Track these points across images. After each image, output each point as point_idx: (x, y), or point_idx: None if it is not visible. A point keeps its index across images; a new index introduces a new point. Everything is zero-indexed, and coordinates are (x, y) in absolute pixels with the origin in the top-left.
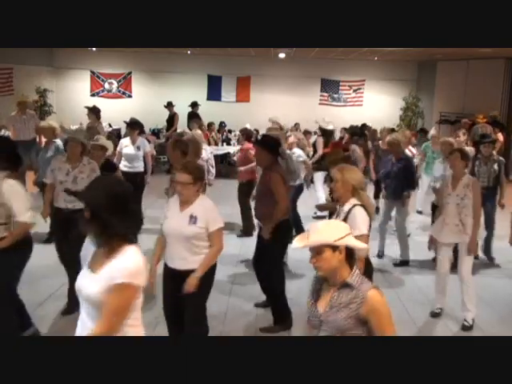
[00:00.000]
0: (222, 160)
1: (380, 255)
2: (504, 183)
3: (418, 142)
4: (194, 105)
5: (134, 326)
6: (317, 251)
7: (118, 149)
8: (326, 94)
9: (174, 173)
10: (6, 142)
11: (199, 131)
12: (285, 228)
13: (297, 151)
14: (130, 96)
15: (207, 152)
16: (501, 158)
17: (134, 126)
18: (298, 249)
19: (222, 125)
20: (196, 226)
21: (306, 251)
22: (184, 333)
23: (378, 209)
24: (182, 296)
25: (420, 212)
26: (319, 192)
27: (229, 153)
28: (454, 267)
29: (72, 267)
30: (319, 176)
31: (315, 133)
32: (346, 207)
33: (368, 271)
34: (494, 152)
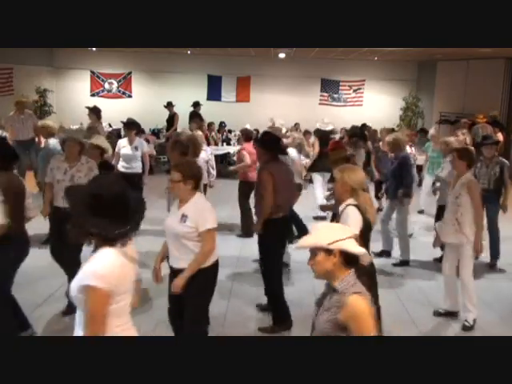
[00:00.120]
0: (222, 160)
1: (380, 254)
2: (508, 186)
3: (419, 142)
4: (196, 104)
5: (125, 330)
6: (313, 253)
7: (116, 149)
8: (326, 94)
9: None
10: None
11: (199, 132)
12: (279, 226)
13: (290, 151)
14: (130, 96)
15: (207, 153)
16: (504, 161)
17: (131, 126)
18: (296, 250)
19: (221, 125)
20: (185, 225)
21: (307, 252)
22: (182, 332)
23: (379, 209)
24: (182, 295)
25: (422, 212)
26: (317, 192)
27: (229, 153)
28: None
29: (71, 268)
30: (317, 176)
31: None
32: (341, 207)
33: (369, 272)
34: (496, 154)
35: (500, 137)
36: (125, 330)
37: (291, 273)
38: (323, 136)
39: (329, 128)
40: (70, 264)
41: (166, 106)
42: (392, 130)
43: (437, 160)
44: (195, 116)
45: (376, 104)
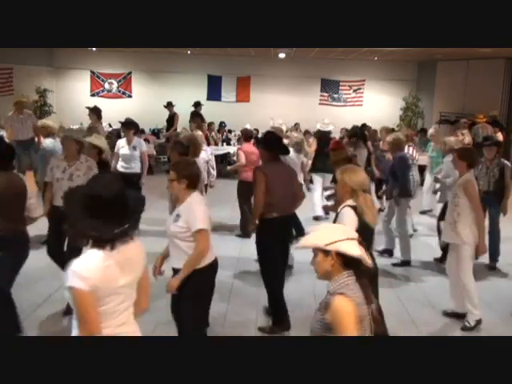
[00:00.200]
0: (222, 160)
1: (382, 253)
2: (509, 188)
3: (419, 142)
4: (197, 104)
5: (123, 330)
6: (314, 254)
7: (116, 150)
8: (326, 94)
9: None
10: None
11: (200, 132)
12: (275, 226)
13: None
14: (130, 96)
15: (207, 153)
16: (505, 162)
17: (129, 126)
18: (296, 250)
19: (222, 125)
20: (177, 225)
21: (309, 253)
22: (180, 332)
23: (380, 210)
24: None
25: (424, 212)
26: (315, 193)
27: (229, 153)
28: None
29: None
30: (317, 177)
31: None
32: (339, 208)
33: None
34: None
35: (500, 137)
36: (123, 330)
37: (292, 273)
38: (323, 136)
39: (328, 129)
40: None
41: (165, 106)
42: (392, 130)
43: (436, 160)
44: (196, 116)
45: (376, 104)
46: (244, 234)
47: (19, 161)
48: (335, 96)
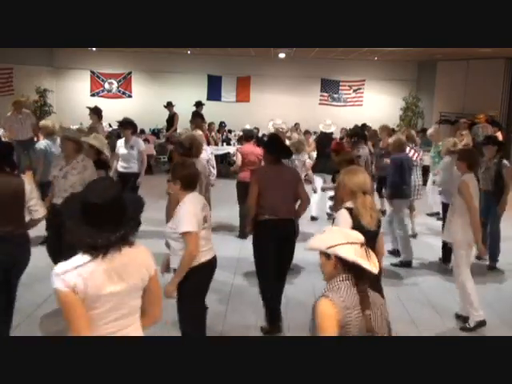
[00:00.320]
0: (222, 160)
1: (390, 252)
2: (508, 187)
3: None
4: (199, 104)
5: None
6: (320, 256)
7: (116, 150)
8: (326, 94)
9: None
10: None
11: (200, 131)
12: (268, 228)
13: None
14: (130, 96)
15: (207, 152)
16: (504, 162)
17: (127, 126)
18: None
19: (222, 125)
20: (169, 226)
21: (309, 253)
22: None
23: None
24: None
25: (432, 215)
26: (314, 193)
27: (229, 153)
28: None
29: None
30: (317, 178)
31: (315, 133)
32: (337, 210)
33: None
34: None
35: (499, 136)
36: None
37: (292, 273)
38: (324, 137)
39: (330, 130)
40: None
41: (165, 106)
42: (392, 131)
43: (434, 160)
44: (197, 116)
45: (376, 104)
46: (241, 234)
47: (18, 161)
48: (335, 96)
